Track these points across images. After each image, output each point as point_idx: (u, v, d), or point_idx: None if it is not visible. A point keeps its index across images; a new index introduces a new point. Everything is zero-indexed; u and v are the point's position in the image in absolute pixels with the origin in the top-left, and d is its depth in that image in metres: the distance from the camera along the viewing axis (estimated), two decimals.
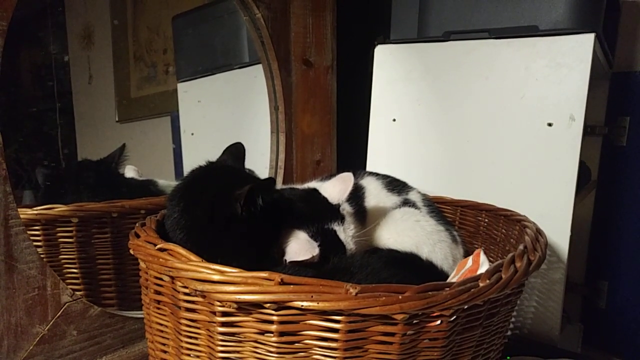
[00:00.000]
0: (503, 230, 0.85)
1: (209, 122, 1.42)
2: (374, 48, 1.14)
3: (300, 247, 0.65)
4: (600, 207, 1.42)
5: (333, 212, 0.72)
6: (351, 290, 0.46)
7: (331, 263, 0.64)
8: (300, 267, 0.64)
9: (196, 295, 0.53)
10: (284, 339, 0.49)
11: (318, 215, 0.70)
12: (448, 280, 0.70)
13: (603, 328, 1.43)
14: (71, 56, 1.34)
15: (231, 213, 0.61)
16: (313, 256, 0.64)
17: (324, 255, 0.66)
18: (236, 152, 0.76)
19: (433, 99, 1.08)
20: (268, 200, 0.61)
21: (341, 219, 0.72)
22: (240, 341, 0.52)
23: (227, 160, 0.74)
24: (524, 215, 0.79)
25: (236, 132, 1.37)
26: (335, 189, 0.75)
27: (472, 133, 1.04)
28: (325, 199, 0.74)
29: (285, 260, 0.65)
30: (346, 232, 0.71)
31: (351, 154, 1.32)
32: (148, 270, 0.60)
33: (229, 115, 1.39)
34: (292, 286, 0.47)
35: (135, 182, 1.13)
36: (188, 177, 0.70)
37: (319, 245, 0.66)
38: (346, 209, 0.76)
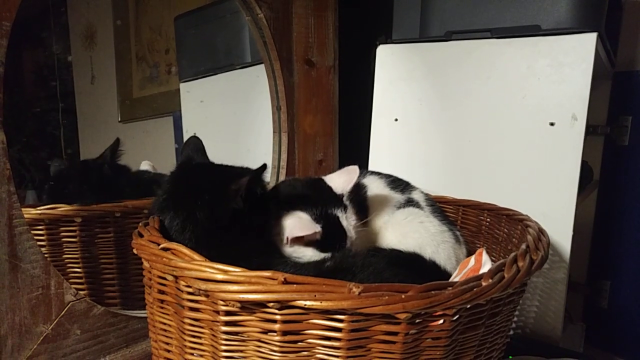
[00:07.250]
0: (505, 230, 0.85)
1: (211, 122, 1.42)
2: (376, 48, 1.14)
3: (300, 223, 0.66)
4: (602, 207, 1.42)
5: (337, 199, 0.73)
6: (354, 289, 0.46)
7: (333, 262, 0.64)
8: (302, 267, 0.64)
9: (200, 295, 0.53)
10: (287, 338, 0.50)
11: (322, 201, 0.71)
12: (450, 280, 0.70)
13: (605, 328, 1.43)
14: (74, 56, 1.34)
15: (232, 208, 0.60)
16: (315, 232, 0.64)
17: (325, 240, 0.66)
18: (195, 146, 0.75)
19: (435, 98, 1.08)
20: (263, 189, 0.61)
21: (344, 207, 0.73)
22: (243, 340, 0.52)
23: (193, 157, 0.73)
24: (526, 215, 0.79)
25: (238, 132, 1.37)
26: (340, 179, 0.76)
27: (474, 132, 1.04)
28: (329, 188, 0.75)
29: (288, 238, 0.65)
30: (348, 220, 0.72)
31: (353, 153, 1.32)
32: (151, 270, 0.60)
33: (231, 115, 1.40)
34: (295, 285, 0.47)
35: (148, 176, 1.12)
36: (172, 184, 0.69)
37: (321, 228, 0.66)
38: (348, 205, 0.77)
